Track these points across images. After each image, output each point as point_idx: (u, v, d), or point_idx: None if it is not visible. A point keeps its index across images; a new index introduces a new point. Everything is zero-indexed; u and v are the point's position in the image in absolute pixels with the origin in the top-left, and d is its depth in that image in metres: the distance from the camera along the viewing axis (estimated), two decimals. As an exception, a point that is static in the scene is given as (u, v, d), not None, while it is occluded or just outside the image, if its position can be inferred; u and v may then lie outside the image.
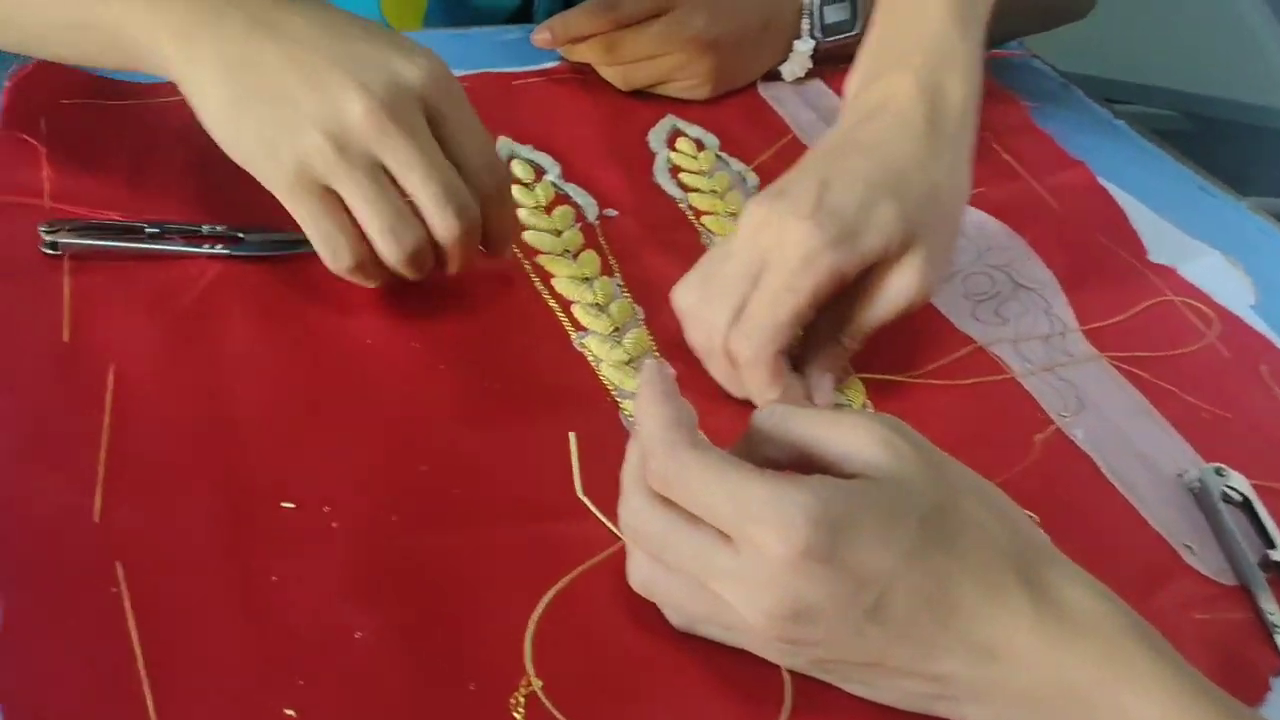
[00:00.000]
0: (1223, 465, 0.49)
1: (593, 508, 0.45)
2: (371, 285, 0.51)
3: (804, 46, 0.75)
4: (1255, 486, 0.49)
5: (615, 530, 0.44)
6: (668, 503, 0.38)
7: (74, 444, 0.43)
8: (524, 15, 0.85)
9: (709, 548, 0.37)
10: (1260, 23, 1.54)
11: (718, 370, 0.52)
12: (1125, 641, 0.36)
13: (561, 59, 0.75)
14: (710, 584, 0.37)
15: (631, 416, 0.51)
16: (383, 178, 0.47)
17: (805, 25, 0.74)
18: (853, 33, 0.76)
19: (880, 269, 0.50)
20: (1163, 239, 0.64)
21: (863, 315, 0.51)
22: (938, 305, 0.59)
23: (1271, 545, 0.46)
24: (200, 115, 0.49)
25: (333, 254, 0.49)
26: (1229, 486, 0.48)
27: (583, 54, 0.72)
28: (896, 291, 0.50)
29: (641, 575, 0.40)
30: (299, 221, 0.49)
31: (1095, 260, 0.63)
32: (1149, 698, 0.35)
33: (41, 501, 0.41)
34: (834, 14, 0.75)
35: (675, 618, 0.40)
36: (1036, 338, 0.57)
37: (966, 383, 0.54)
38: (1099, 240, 0.64)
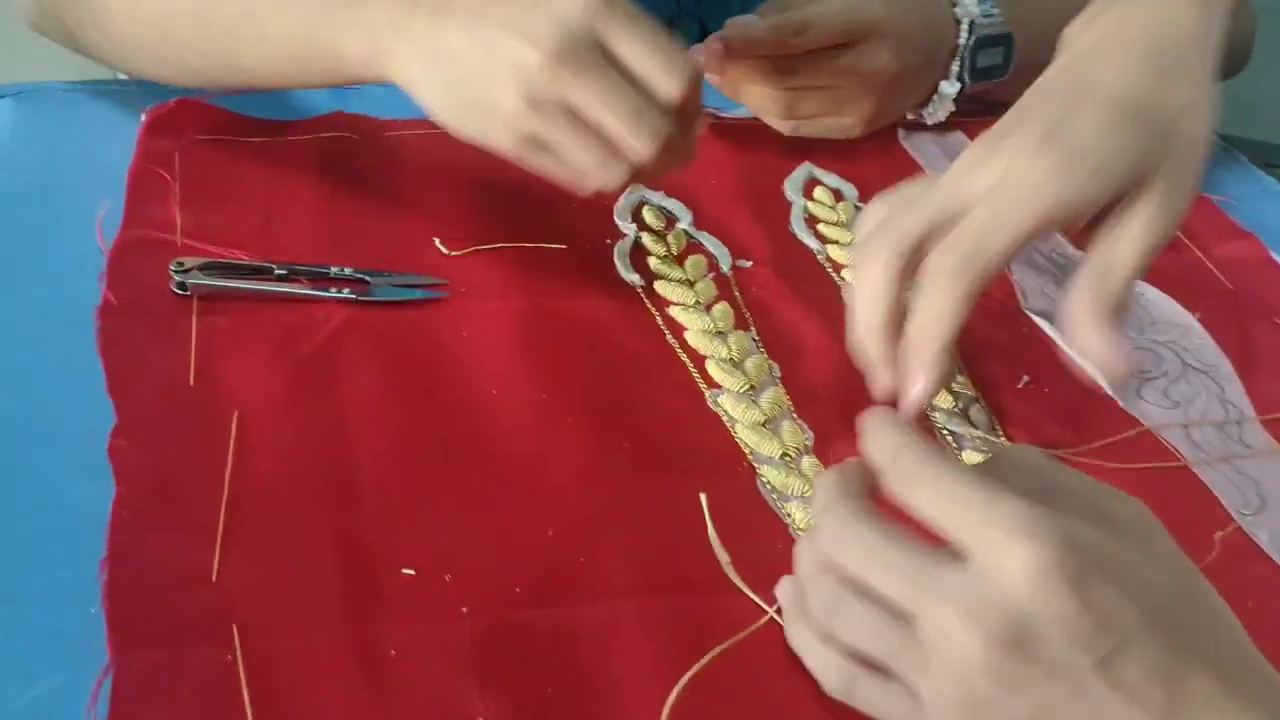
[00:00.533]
0: None
1: (735, 577, 0.43)
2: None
3: (950, 89, 0.71)
4: None
5: (759, 601, 0.42)
6: (879, 517, 0.36)
7: (195, 497, 0.42)
8: None
9: (930, 561, 0.34)
10: None
11: (874, 319, 0.45)
12: None
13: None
14: (921, 600, 0.34)
15: (768, 482, 0.48)
16: (576, 120, 0.49)
17: (954, 67, 0.70)
18: (1003, 78, 0.72)
19: (1118, 210, 0.44)
20: (1346, 318, 0.59)
21: (1111, 258, 0.44)
22: (1098, 379, 0.54)
23: None
24: (429, 113, 0.51)
25: (581, 181, 0.51)
26: None
27: (747, 73, 0.66)
28: (1144, 227, 0.44)
29: (824, 598, 0.37)
30: (542, 173, 0.51)
31: (1273, 344, 0.57)
32: None
33: (160, 557, 0.39)
34: (987, 58, 0.71)
35: (833, 676, 0.37)
36: (1210, 424, 0.52)
37: (1136, 467, 0.49)
38: (1276, 322, 0.59)
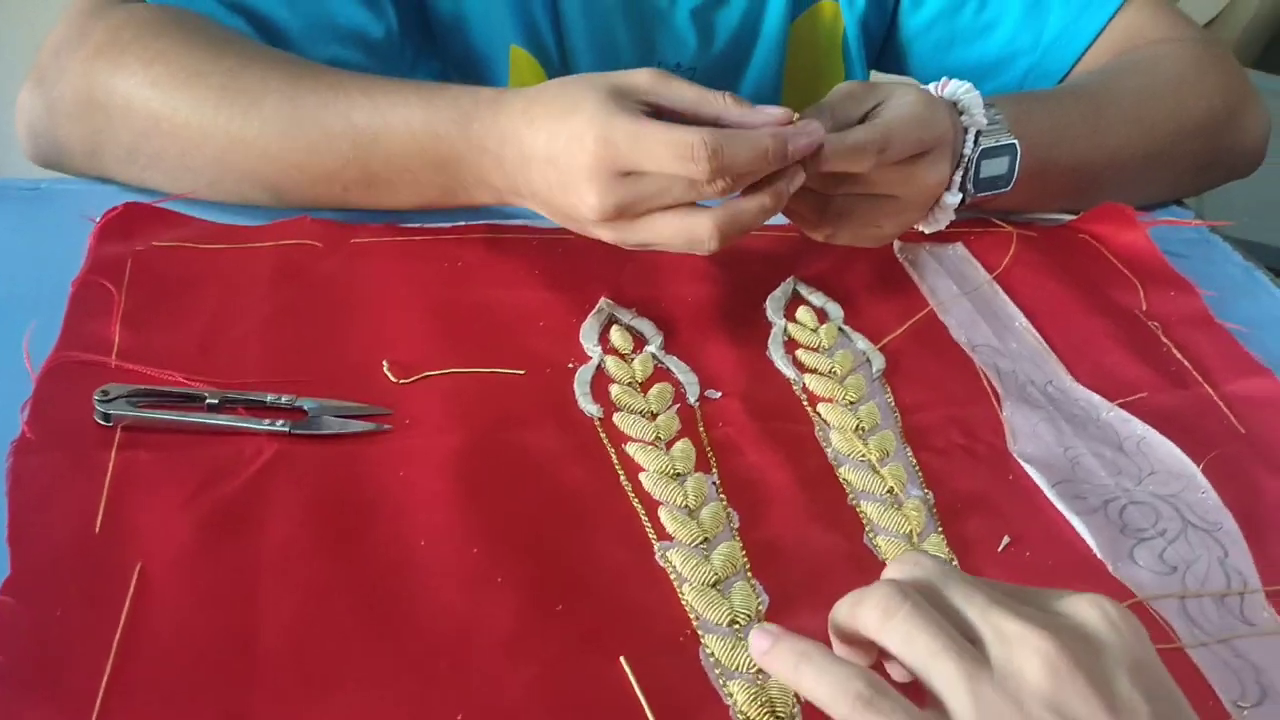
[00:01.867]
0: None
1: None
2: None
3: (952, 199, 0.66)
4: None
5: None
6: None
7: (77, 670, 0.39)
8: None
9: (1003, 600, 0.37)
10: None
11: None
12: None
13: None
14: (996, 612, 0.36)
15: (712, 654, 0.44)
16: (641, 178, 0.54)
17: (958, 177, 0.66)
18: (1006, 189, 0.68)
19: None
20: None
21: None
22: (1088, 538, 0.50)
23: None
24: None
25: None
26: None
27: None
28: None
29: (886, 594, 0.37)
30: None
31: (1285, 501, 0.53)
32: None
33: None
34: (991, 168, 0.67)
35: (853, 689, 0.35)
36: (1209, 595, 0.47)
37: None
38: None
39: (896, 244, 0.70)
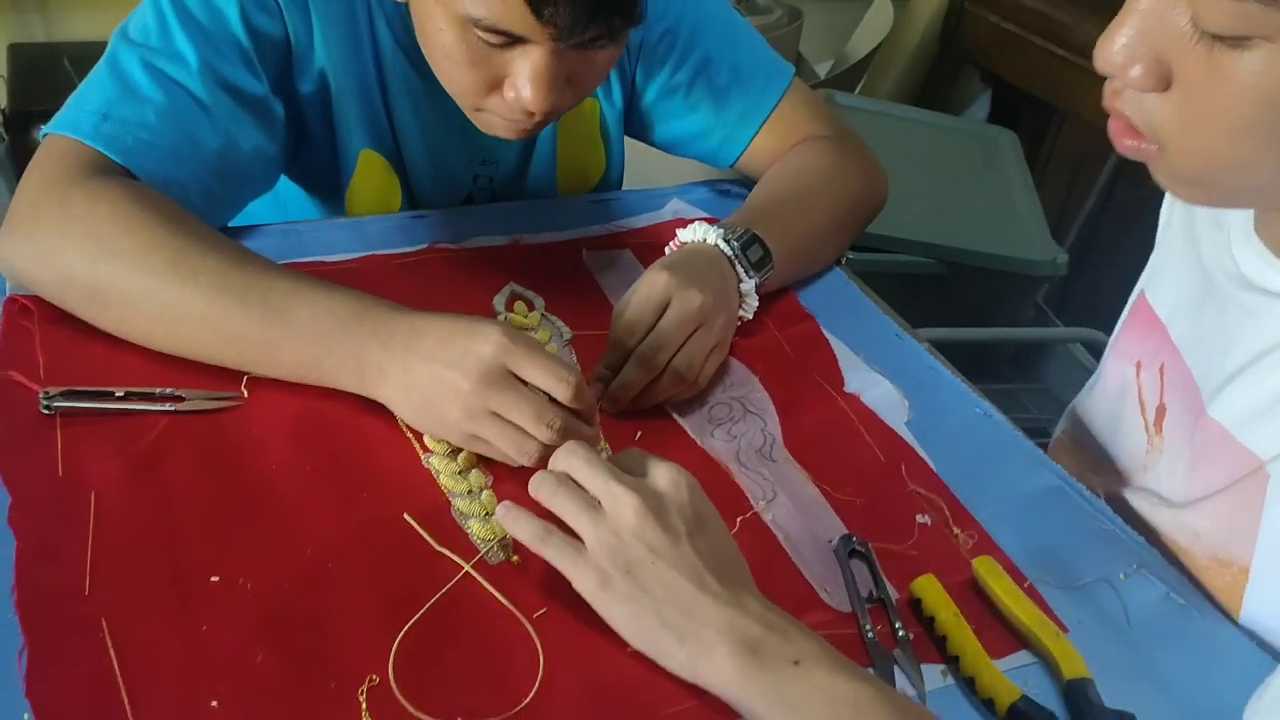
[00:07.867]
0: (853, 535, 0.73)
1: (441, 548, 0.68)
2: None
3: (748, 286, 0.90)
4: (876, 549, 0.72)
5: (458, 559, 0.67)
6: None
7: (68, 546, 0.65)
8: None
9: (618, 473, 0.65)
10: (1021, 192, 1.85)
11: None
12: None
13: (432, 243, 0.99)
14: (610, 484, 0.64)
15: (458, 509, 0.73)
16: (499, 420, 0.72)
17: (740, 272, 0.90)
18: (773, 264, 0.92)
19: None
20: (856, 373, 0.89)
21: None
22: (685, 426, 0.83)
23: (878, 585, 0.70)
24: (403, 419, 0.77)
25: (509, 459, 0.74)
26: (857, 548, 0.72)
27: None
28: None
29: (552, 484, 0.66)
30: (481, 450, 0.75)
31: (806, 391, 0.87)
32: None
33: (47, 587, 0.62)
34: (754, 253, 0.91)
35: (537, 535, 0.65)
36: (753, 449, 0.81)
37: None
38: (813, 377, 0.89)
39: (585, 252, 1.02)
